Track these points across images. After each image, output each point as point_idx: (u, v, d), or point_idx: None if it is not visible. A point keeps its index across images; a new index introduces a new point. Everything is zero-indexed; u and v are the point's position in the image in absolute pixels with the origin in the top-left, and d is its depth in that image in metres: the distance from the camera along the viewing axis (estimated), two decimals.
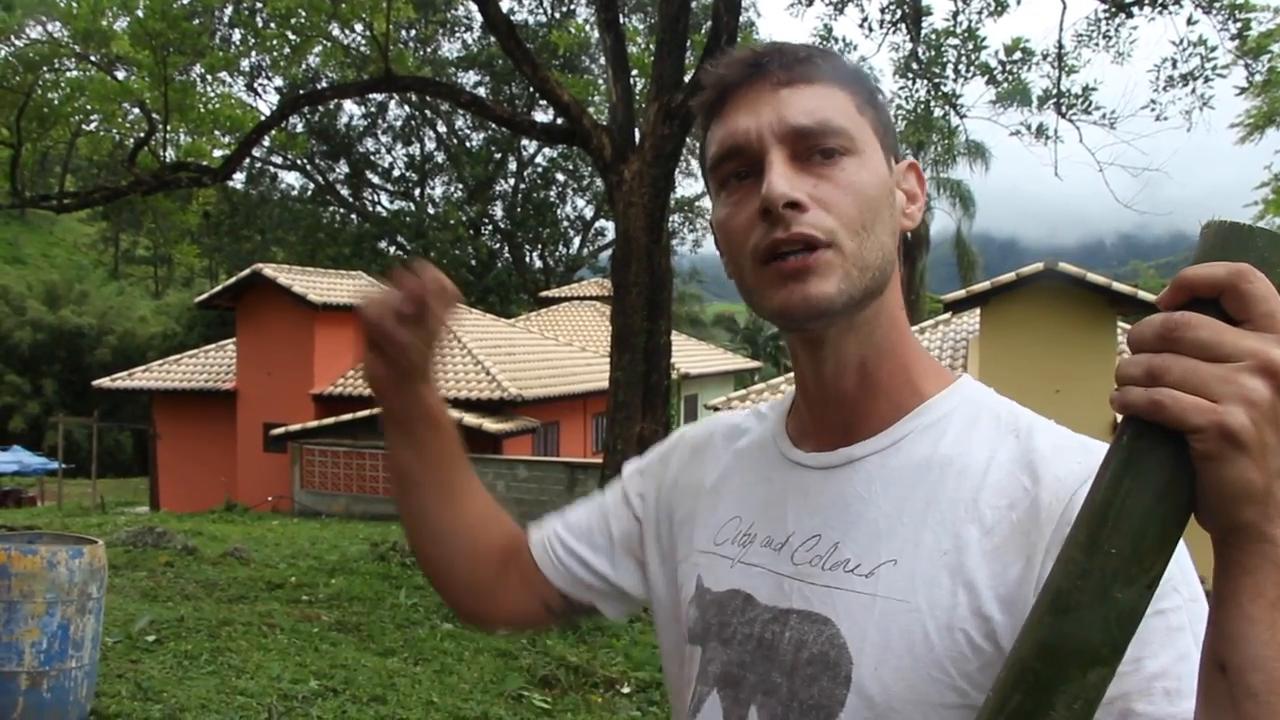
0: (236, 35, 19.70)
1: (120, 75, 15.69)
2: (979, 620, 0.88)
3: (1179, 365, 0.63)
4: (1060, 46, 12.58)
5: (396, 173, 43.89)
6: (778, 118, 0.94)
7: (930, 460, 0.97)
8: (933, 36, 13.10)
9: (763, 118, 0.95)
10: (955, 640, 0.88)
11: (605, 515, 1.22)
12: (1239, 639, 0.66)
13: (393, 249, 40.67)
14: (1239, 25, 11.53)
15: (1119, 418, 0.67)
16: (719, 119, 0.99)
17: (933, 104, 13.41)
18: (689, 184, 41.66)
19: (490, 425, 18.60)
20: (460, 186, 43.11)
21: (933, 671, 0.89)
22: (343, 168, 42.28)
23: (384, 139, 43.16)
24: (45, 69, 15.83)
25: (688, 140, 11.41)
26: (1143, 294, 13.96)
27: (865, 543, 0.96)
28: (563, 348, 25.61)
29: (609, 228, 39.18)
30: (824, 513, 1.00)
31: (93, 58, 15.64)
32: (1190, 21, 11.56)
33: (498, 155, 41.77)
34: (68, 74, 16.24)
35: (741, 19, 13.15)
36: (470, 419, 18.60)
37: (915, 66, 12.95)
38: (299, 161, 39.77)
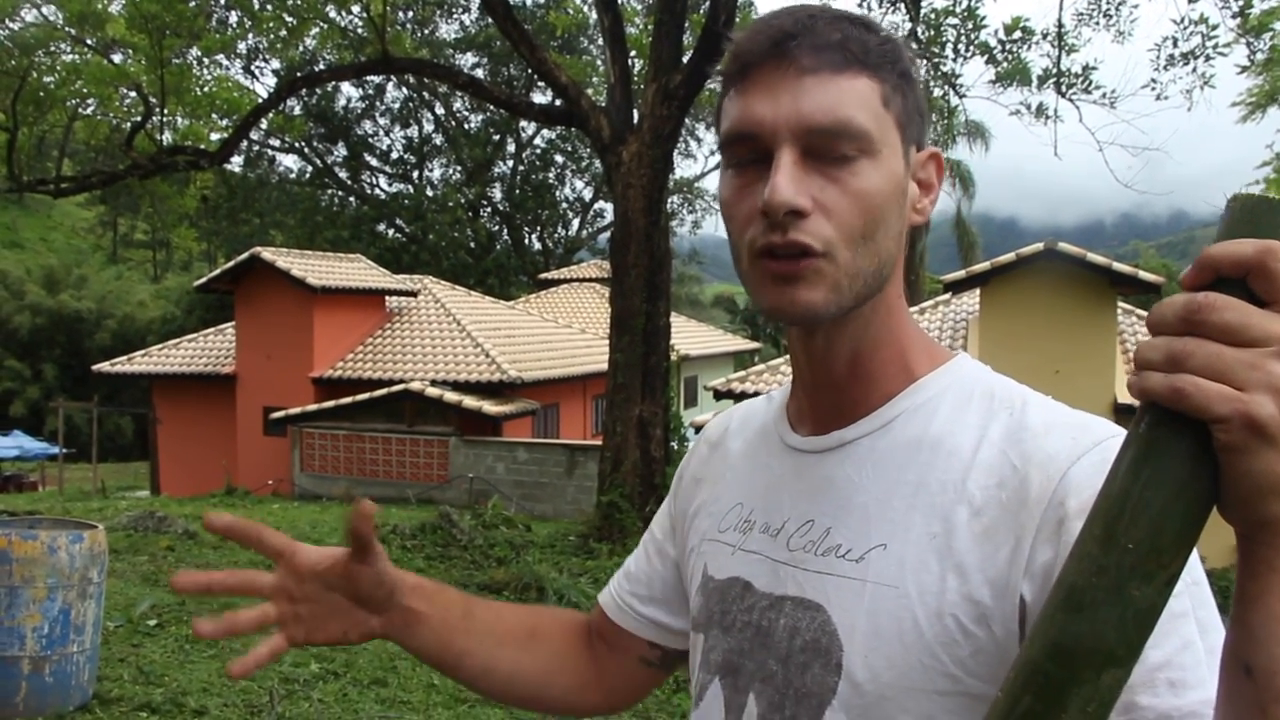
0: (233, 17, 19.60)
1: (116, 59, 15.64)
2: (969, 605, 0.86)
3: (1202, 350, 0.59)
4: (1060, 25, 12.56)
5: (395, 155, 43.83)
6: (795, 112, 0.88)
7: (921, 441, 0.95)
8: (932, 15, 13.08)
9: (781, 109, 0.89)
10: (945, 626, 0.86)
11: (657, 550, 1.24)
12: (1267, 640, 0.63)
13: (391, 231, 40.62)
14: (1240, 3, 11.50)
15: (1118, 399, 0.65)
16: (737, 93, 0.93)
17: (932, 83, 13.39)
18: (688, 165, 41.64)
19: (490, 408, 18.59)
20: (459, 168, 43.03)
21: (923, 658, 0.87)
22: (341, 150, 42.18)
23: (382, 121, 43.11)
24: (41, 52, 15.78)
25: (686, 121, 11.37)
26: (1143, 274, 13.96)
27: (856, 527, 0.94)
28: (562, 330, 25.60)
29: (608, 209, 39.10)
30: (816, 497, 0.99)
31: (89, 41, 15.59)
32: None
33: (496, 137, 41.68)
34: (63, 58, 16.19)
35: None
36: (470, 401, 18.60)
37: (914, 46, 12.90)
38: (297, 144, 39.66)
